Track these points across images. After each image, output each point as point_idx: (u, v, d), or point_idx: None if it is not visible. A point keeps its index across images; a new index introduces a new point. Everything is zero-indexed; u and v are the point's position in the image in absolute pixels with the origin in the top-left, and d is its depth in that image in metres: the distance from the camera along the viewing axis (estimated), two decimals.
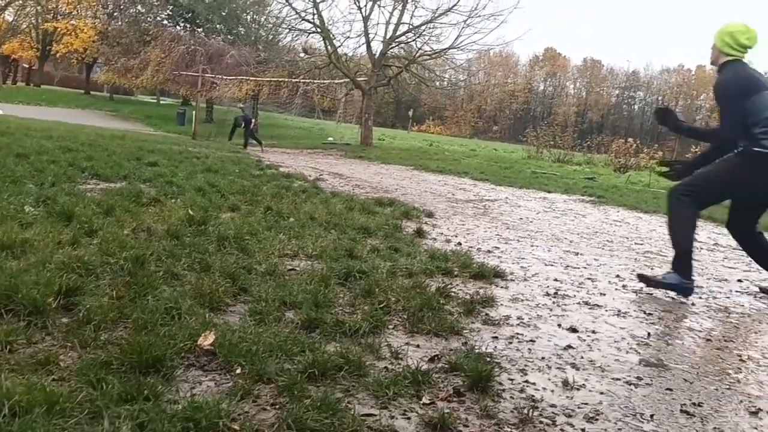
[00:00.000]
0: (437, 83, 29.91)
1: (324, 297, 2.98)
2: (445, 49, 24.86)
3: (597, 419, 2.10)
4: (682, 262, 3.89)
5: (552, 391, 2.30)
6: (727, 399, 2.37)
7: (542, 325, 3.06)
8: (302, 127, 36.93)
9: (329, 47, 24.47)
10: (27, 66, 53.65)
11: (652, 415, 2.16)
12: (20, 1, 43.63)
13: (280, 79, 26.56)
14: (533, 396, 2.24)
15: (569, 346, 2.79)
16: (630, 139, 25.17)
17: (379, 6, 24.52)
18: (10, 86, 46.68)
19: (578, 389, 2.33)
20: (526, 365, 2.52)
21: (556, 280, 4.03)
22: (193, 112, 25.38)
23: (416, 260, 4.00)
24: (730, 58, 3.94)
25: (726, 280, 4.54)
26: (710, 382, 2.53)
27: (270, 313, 2.72)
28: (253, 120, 21.90)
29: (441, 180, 11.63)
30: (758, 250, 4.17)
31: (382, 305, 2.98)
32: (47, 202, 4.53)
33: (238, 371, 2.15)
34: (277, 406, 1.95)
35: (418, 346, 2.61)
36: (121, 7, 38.70)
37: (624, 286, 4.04)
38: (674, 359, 2.76)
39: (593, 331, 3.04)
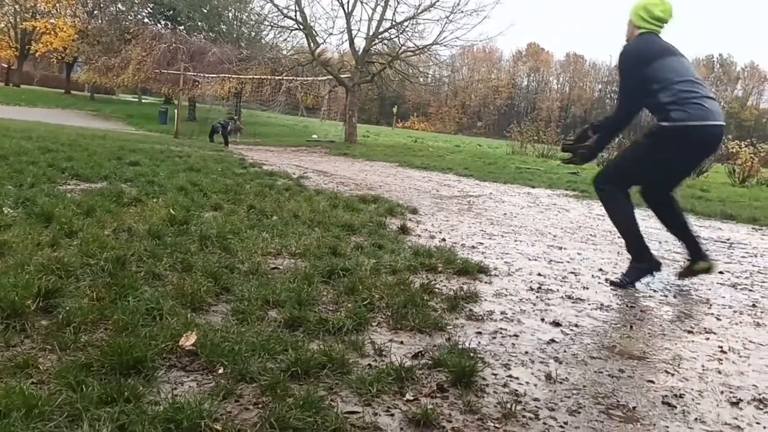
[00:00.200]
0: (421, 79, 29.86)
1: (307, 295, 2.97)
2: (428, 45, 24.90)
3: (580, 412, 2.11)
4: (634, 246, 3.89)
5: (535, 385, 2.31)
6: (708, 390, 2.39)
7: (526, 320, 3.07)
8: (286, 124, 36.84)
9: (312, 44, 24.38)
10: (5, 66, 52.92)
11: (634, 407, 2.17)
12: None
13: (262, 77, 26.42)
14: (516, 390, 2.24)
15: (552, 340, 2.80)
16: None
17: (362, 2, 24.49)
18: None
19: (561, 383, 2.34)
20: (509, 360, 2.53)
21: (539, 274, 4.05)
22: (175, 110, 25.20)
23: (400, 257, 4.00)
24: (643, 30, 3.85)
25: None
26: (692, 373, 2.55)
27: (253, 312, 2.70)
28: (230, 124, 22.95)
29: (425, 176, 11.64)
30: (672, 218, 4.04)
31: (365, 302, 2.97)
32: (26, 204, 4.48)
33: (221, 371, 2.14)
34: (260, 406, 1.94)
35: (401, 342, 2.61)
36: (101, 5, 38.37)
37: (606, 280, 4.06)
38: (656, 351, 2.78)
39: (576, 325, 3.06)
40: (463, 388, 2.19)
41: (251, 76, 26.45)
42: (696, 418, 2.14)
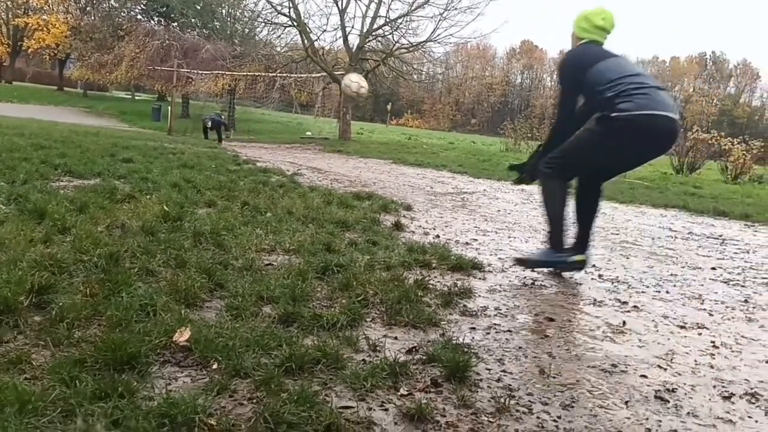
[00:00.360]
0: (415, 76, 29.85)
1: (301, 291, 2.97)
2: (422, 42, 24.86)
3: (573, 407, 2.12)
4: (553, 233, 3.91)
5: (529, 380, 2.32)
6: (701, 385, 2.41)
7: (519, 316, 3.08)
8: (280, 121, 36.78)
9: (306, 41, 24.32)
10: None
11: (626, 402, 2.19)
12: None
13: (256, 74, 26.35)
14: (510, 385, 2.25)
15: (546, 336, 2.82)
16: None
17: None
18: None
19: (554, 377, 2.35)
20: (503, 355, 2.54)
21: (533, 270, 4.06)
22: (169, 107, 25.11)
23: (394, 253, 4.01)
24: (585, 40, 3.86)
25: (700, 268, 4.61)
26: (684, 368, 2.57)
27: (247, 308, 2.70)
28: (221, 117, 23.24)
29: (419, 173, 11.64)
30: (590, 208, 4.06)
31: (360, 298, 2.98)
32: (19, 200, 4.46)
33: (215, 366, 2.14)
34: (254, 401, 1.94)
35: (395, 338, 2.62)
36: (94, 1, 38.18)
37: (600, 276, 4.08)
38: (648, 347, 2.79)
39: (569, 320, 3.07)
40: (457, 383, 2.20)
41: (245, 73, 26.38)
42: (689, 413, 2.15)
